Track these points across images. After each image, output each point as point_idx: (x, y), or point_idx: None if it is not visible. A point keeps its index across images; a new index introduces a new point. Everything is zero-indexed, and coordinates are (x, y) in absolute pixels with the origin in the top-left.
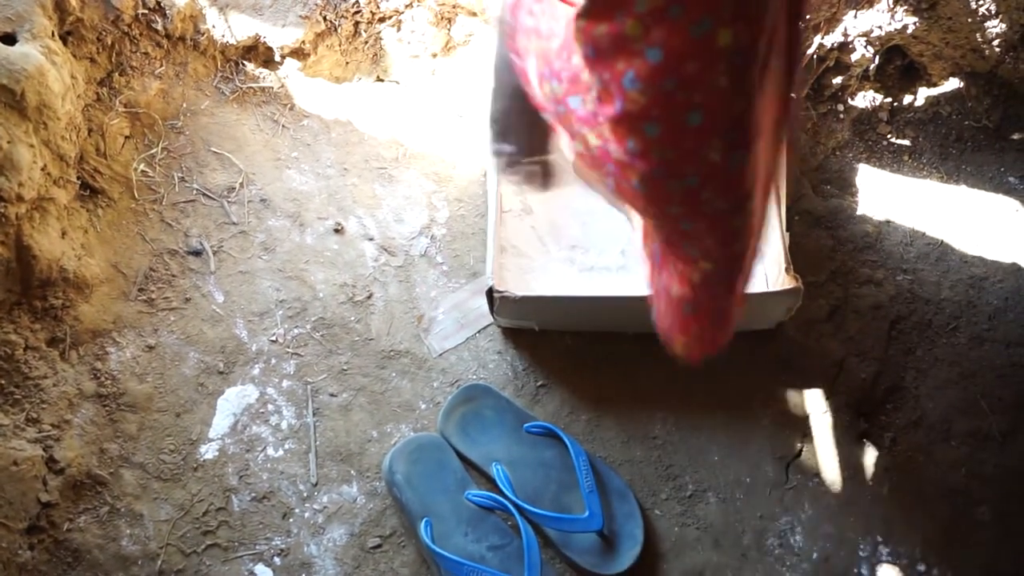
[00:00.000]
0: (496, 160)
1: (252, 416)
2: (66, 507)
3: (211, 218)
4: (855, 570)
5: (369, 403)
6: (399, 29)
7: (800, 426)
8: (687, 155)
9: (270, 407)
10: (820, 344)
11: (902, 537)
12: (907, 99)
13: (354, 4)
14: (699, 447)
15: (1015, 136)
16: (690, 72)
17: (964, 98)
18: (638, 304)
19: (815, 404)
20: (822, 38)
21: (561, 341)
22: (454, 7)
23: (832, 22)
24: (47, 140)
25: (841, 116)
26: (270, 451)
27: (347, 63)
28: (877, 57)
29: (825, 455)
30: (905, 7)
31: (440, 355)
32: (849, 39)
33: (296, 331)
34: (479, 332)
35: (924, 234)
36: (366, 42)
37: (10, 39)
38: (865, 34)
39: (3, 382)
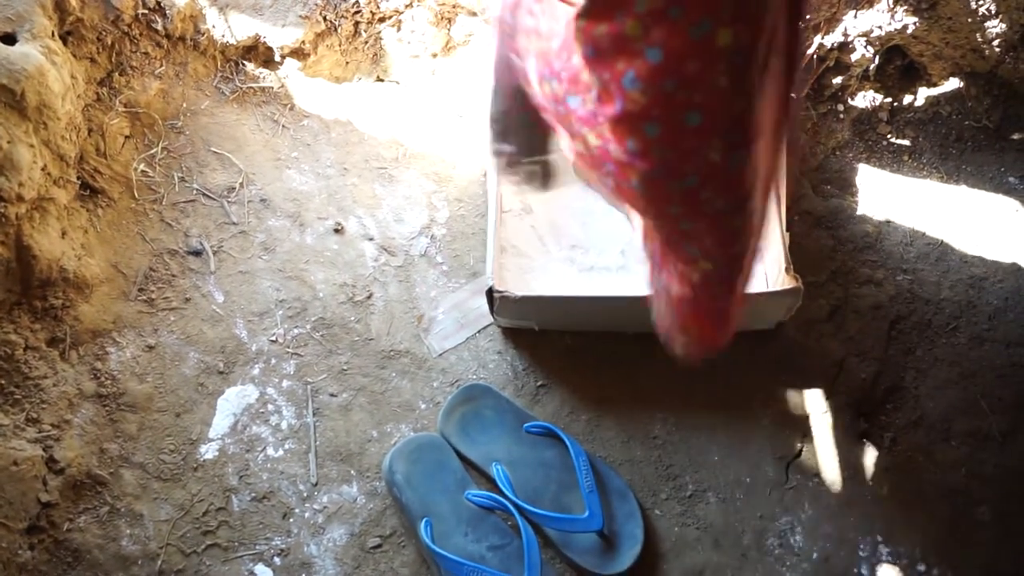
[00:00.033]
0: (496, 160)
1: (252, 416)
2: (66, 507)
3: (211, 218)
4: (855, 570)
5: (369, 403)
6: (399, 29)
7: (800, 426)
8: (687, 155)
9: (270, 407)
10: (820, 344)
11: (902, 537)
12: (907, 99)
13: (354, 4)
14: (699, 447)
15: (1015, 136)
16: (690, 72)
17: (964, 98)
18: (638, 304)
19: (815, 404)
20: (822, 38)
21: (561, 341)
22: (454, 7)
23: (832, 22)
24: (47, 140)
25: (841, 116)
26: (270, 451)
27: (347, 63)
28: (877, 57)
29: (825, 455)
30: (905, 7)
31: (440, 355)
32: (849, 39)
33: (296, 331)
34: (479, 332)
35: (924, 234)
36: (366, 42)
37: (10, 39)
38: (865, 34)
39: (3, 382)
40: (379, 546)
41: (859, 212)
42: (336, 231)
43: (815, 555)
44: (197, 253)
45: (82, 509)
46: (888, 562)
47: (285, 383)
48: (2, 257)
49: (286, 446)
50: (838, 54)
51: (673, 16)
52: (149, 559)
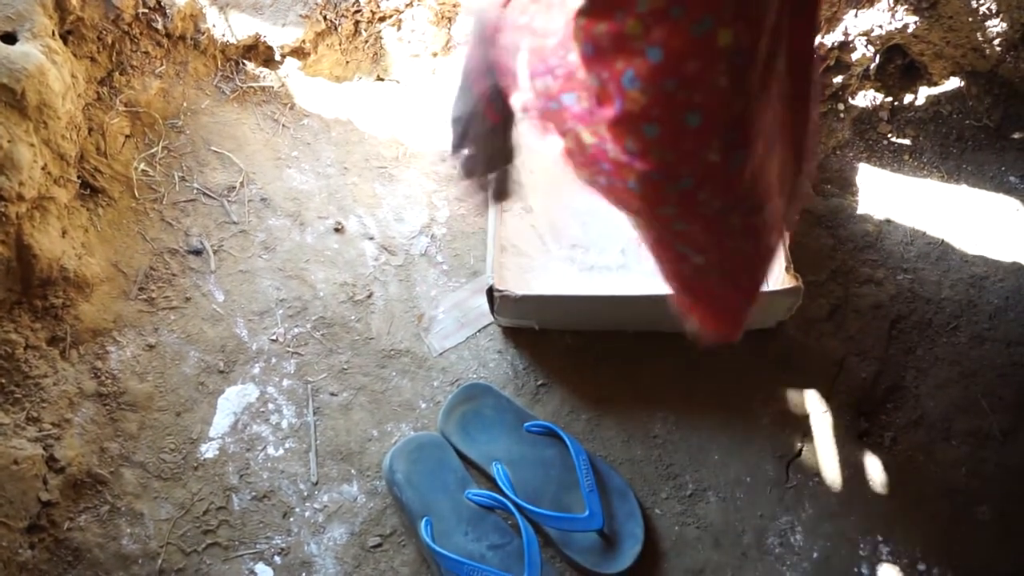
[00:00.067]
0: (455, 163)
1: (252, 415)
2: (66, 506)
3: (211, 217)
4: (855, 569)
5: (369, 402)
6: (399, 28)
7: (800, 425)
8: (686, 156)
9: (270, 406)
10: (820, 343)
11: (902, 536)
12: (908, 98)
13: (354, 3)
14: (699, 446)
15: (1016, 135)
16: (691, 72)
17: (965, 97)
18: (638, 303)
19: (815, 403)
20: (823, 37)
21: (561, 340)
22: (454, 6)
23: (833, 21)
24: (47, 139)
25: (842, 115)
26: (270, 450)
27: (347, 62)
28: (878, 56)
29: (825, 454)
30: (906, 6)
31: (440, 354)
32: (850, 38)
33: (296, 330)
34: (479, 331)
35: (924, 233)
36: (366, 41)
37: (11, 38)
38: (866, 33)
39: (3, 381)
40: (379, 545)
41: (859, 211)
42: (336, 230)
43: (815, 554)
44: (197, 252)
45: (82, 508)
46: (888, 561)
47: (285, 382)
48: (2, 256)
49: (286, 445)
50: (838, 53)
51: (674, 15)
52: (149, 558)
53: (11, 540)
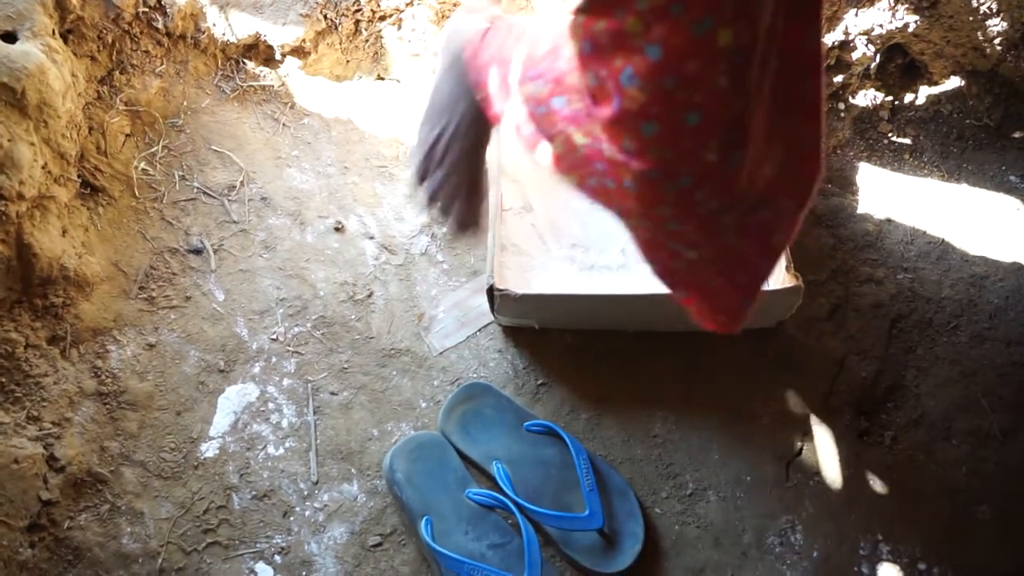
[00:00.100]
0: (418, 184)
1: (253, 414)
2: (67, 505)
3: (212, 216)
4: (855, 568)
5: (370, 401)
6: (400, 27)
7: (800, 425)
8: (685, 155)
9: (271, 405)
10: (821, 343)
11: (902, 535)
12: (908, 97)
13: (355, 2)
14: (699, 445)
15: (1016, 134)
16: (690, 71)
17: (965, 96)
18: (638, 302)
19: (815, 403)
20: (823, 36)
21: (561, 339)
22: (455, 5)
23: (833, 20)
24: (48, 138)
25: (842, 114)
26: (271, 449)
27: (348, 61)
28: (878, 55)
29: (825, 454)
30: (906, 5)
31: (440, 353)
32: (850, 37)
33: (297, 329)
34: (479, 330)
35: (925, 232)
36: (367, 40)
37: (11, 37)
38: (866, 32)
39: (4, 380)
40: (380, 544)
41: (860, 210)
42: (336, 229)
43: (815, 553)
44: (198, 251)
45: (83, 507)
46: (888, 560)
47: (286, 381)
48: (3, 255)
49: (287, 444)
50: (839, 52)
51: (675, 13)
52: (150, 557)
53: (11, 539)
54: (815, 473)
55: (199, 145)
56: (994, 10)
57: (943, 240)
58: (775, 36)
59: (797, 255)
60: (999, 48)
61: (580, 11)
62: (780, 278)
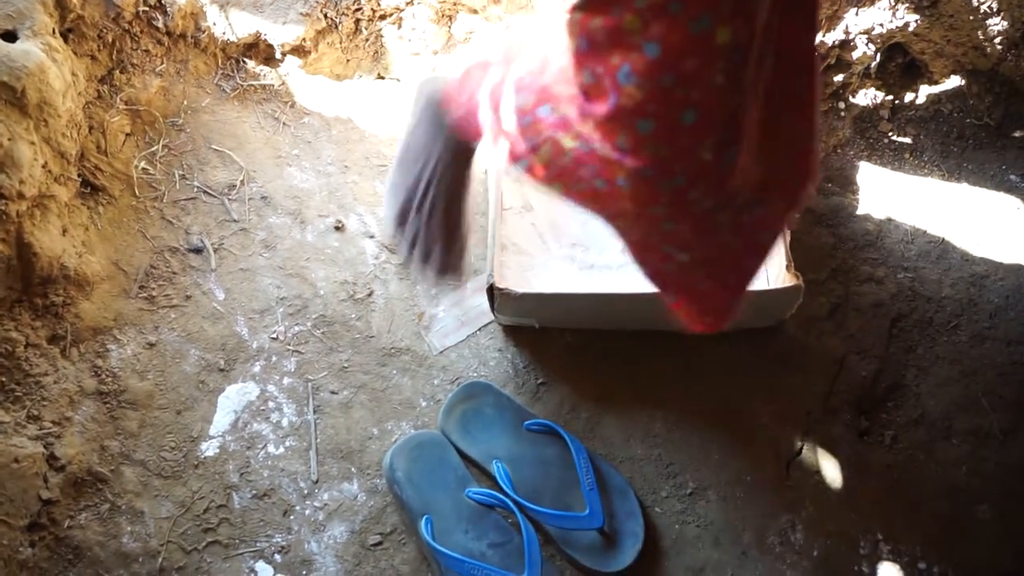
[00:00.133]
0: (398, 231)
1: (253, 413)
2: (67, 504)
3: (212, 216)
4: (855, 568)
5: (370, 400)
6: (400, 27)
7: (801, 424)
8: (680, 153)
9: (271, 404)
10: (821, 342)
11: (903, 535)
12: (908, 97)
13: (355, 1)
14: (699, 445)
15: (1016, 134)
16: (688, 68)
17: (965, 96)
18: (638, 301)
19: (816, 402)
20: (823, 36)
21: (561, 338)
22: (455, 4)
23: (833, 19)
24: (48, 137)
25: (842, 114)
26: (271, 448)
27: (348, 60)
28: (878, 55)
29: (825, 453)
30: (907, 5)
31: (441, 353)
32: (850, 36)
33: (297, 328)
34: (480, 330)
35: (925, 232)
36: (367, 39)
37: (11, 36)
38: (866, 31)
39: (4, 379)
40: (380, 543)
41: (860, 210)
42: (337, 229)
43: (815, 553)
44: (198, 251)
45: (83, 506)
46: (889, 560)
47: (286, 380)
48: (3, 254)
49: (287, 443)
50: (839, 52)
51: (673, 11)
52: (150, 556)
53: (11, 538)
54: (815, 472)
55: (199, 144)
56: (994, 9)
57: (943, 239)
58: (771, 33)
59: (797, 254)
60: (999, 47)
61: (577, 8)
62: (780, 277)
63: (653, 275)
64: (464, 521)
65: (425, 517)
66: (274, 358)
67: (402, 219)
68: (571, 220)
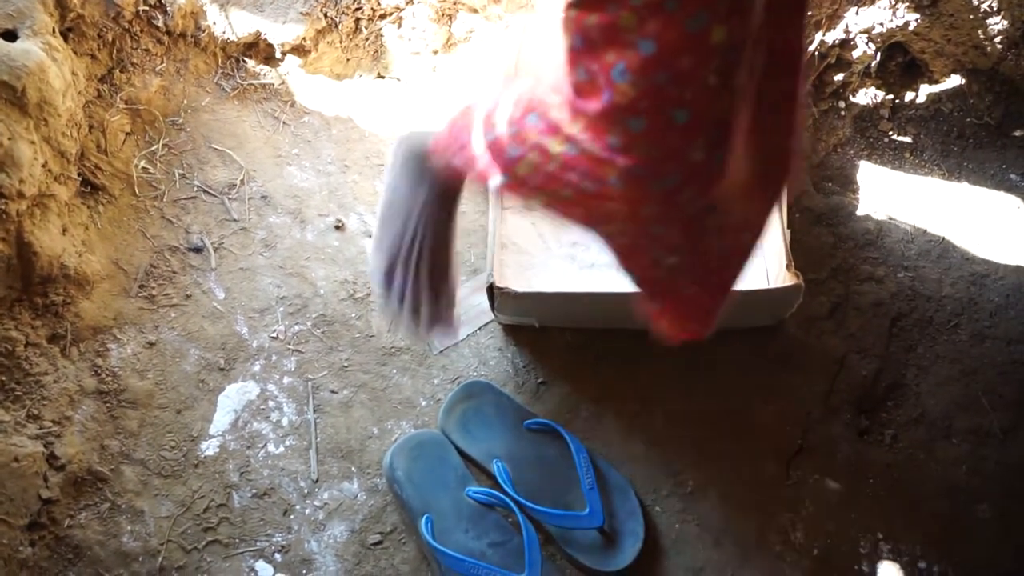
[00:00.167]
0: (385, 290)
1: (253, 413)
2: (67, 503)
3: (212, 215)
4: (856, 567)
5: (370, 400)
6: (400, 26)
7: (801, 423)
8: (672, 153)
9: (271, 404)
10: (821, 341)
11: (903, 534)
12: (908, 96)
13: (355, 1)
14: (700, 444)
15: (1017, 133)
16: (683, 67)
17: (966, 95)
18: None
19: (816, 401)
20: (823, 35)
21: (561, 338)
22: (455, 4)
23: (833, 19)
24: (48, 137)
25: (842, 113)
26: (271, 448)
27: (348, 60)
28: (879, 54)
29: (826, 452)
30: (907, 4)
31: (441, 352)
32: (850, 36)
33: (297, 328)
34: (480, 329)
35: (925, 231)
36: (367, 39)
37: (11, 36)
38: (867, 31)
39: (4, 378)
40: (380, 543)
41: (860, 209)
42: (337, 228)
43: (815, 552)
44: (198, 250)
45: (83, 506)
46: (889, 559)
47: (286, 380)
48: (3, 254)
49: (287, 443)
50: (839, 51)
51: (669, 9)
52: (150, 556)
53: (11, 537)
54: (815, 471)
55: (199, 143)
56: (994, 8)
57: (943, 238)
58: (764, 33)
59: (797, 254)
60: (999, 46)
61: (573, 6)
62: (780, 276)
63: (640, 282)
64: (464, 520)
65: (425, 516)
66: (274, 357)
67: (389, 275)
68: None
